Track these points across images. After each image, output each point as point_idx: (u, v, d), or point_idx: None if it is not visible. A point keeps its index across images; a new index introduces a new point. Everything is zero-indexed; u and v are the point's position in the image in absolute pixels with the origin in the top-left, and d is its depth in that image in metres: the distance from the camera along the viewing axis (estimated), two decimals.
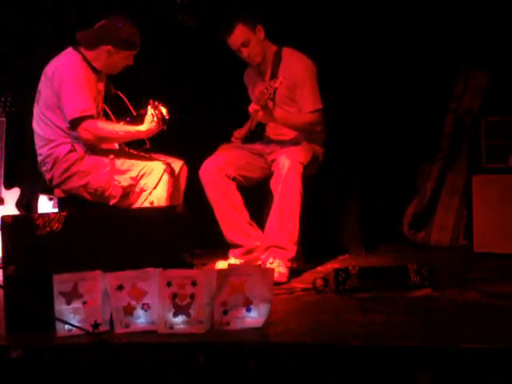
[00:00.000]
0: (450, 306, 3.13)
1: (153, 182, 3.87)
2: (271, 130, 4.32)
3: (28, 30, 5.01)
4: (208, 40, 4.79)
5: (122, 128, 3.96)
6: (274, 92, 4.02)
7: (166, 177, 3.89)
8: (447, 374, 2.41)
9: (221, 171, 4.22)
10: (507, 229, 4.34)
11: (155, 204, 3.82)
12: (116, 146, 4.13)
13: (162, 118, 3.82)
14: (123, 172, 3.92)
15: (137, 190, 3.89)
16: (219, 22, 4.28)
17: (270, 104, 4.07)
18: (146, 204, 3.83)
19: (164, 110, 3.87)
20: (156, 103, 3.82)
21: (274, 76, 4.20)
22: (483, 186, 4.45)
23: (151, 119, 3.83)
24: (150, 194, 3.85)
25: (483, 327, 2.72)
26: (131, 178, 3.90)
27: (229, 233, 4.26)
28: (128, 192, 3.91)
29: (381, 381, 2.48)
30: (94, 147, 3.97)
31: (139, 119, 3.93)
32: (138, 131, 3.91)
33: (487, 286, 3.45)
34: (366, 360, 2.50)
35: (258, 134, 4.31)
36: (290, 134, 4.27)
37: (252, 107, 4.03)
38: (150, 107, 3.83)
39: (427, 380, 2.41)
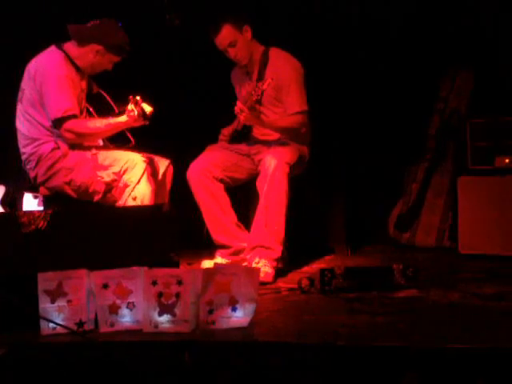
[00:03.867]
0: (435, 307, 3.14)
1: (136, 177, 3.86)
2: (258, 130, 4.32)
3: (11, 27, 4.98)
4: (195, 39, 4.78)
5: (102, 122, 3.96)
6: (262, 94, 4.01)
7: (149, 171, 3.89)
8: (432, 375, 2.42)
9: (208, 173, 4.22)
10: (492, 230, 4.36)
11: (139, 199, 3.82)
12: (100, 143, 4.13)
13: (142, 114, 3.82)
14: (106, 167, 3.91)
15: (120, 185, 3.89)
16: (206, 21, 4.27)
17: (257, 106, 4.07)
18: (130, 200, 3.83)
19: (147, 107, 3.87)
20: (136, 99, 3.82)
21: (260, 76, 4.21)
22: (469, 188, 4.46)
23: (132, 111, 3.83)
24: (134, 189, 3.85)
25: (468, 327, 2.73)
26: (114, 174, 3.90)
27: (216, 234, 4.26)
28: (111, 188, 3.91)
29: (365, 381, 2.48)
30: (78, 144, 3.97)
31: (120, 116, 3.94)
32: (119, 122, 3.92)
33: (472, 286, 3.47)
34: (351, 360, 2.50)
35: (244, 135, 4.31)
36: (277, 134, 4.27)
37: (238, 107, 4.03)
38: (130, 103, 3.83)
39: (412, 380, 2.42)
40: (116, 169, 3.90)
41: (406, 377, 2.40)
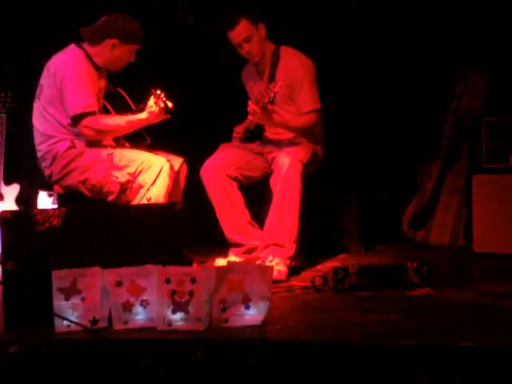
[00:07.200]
0: (449, 306, 3.13)
1: (151, 178, 3.86)
2: (270, 129, 4.32)
3: (28, 25, 5.00)
4: (209, 38, 4.78)
5: (122, 119, 3.97)
6: (274, 96, 4.01)
7: (164, 173, 3.88)
8: (445, 373, 2.41)
9: (222, 171, 4.22)
10: (507, 229, 4.34)
11: (153, 201, 3.82)
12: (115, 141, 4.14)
13: (164, 108, 3.81)
14: (121, 168, 3.92)
15: (135, 186, 3.90)
16: (220, 18, 4.27)
17: (269, 106, 4.07)
18: (144, 201, 3.83)
19: (168, 102, 3.87)
20: (159, 93, 3.81)
21: (272, 76, 4.21)
22: (483, 186, 4.45)
23: (153, 107, 3.83)
24: (148, 190, 3.85)
25: (481, 326, 2.73)
26: (129, 174, 3.90)
27: (229, 232, 4.27)
28: (126, 188, 3.92)
29: (378, 379, 2.48)
30: (94, 143, 3.98)
31: (140, 113, 3.94)
32: (140, 119, 3.92)
33: (486, 285, 3.45)
34: (364, 358, 2.50)
35: (257, 133, 4.31)
36: (289, 133, 4.27)
37: (251, 107, 4.02)
38: (152, 97, 3.83)
39: (425, 378, 2.41)
40: (131, 170, 3.91)
41: (419, 376, 2.40)
